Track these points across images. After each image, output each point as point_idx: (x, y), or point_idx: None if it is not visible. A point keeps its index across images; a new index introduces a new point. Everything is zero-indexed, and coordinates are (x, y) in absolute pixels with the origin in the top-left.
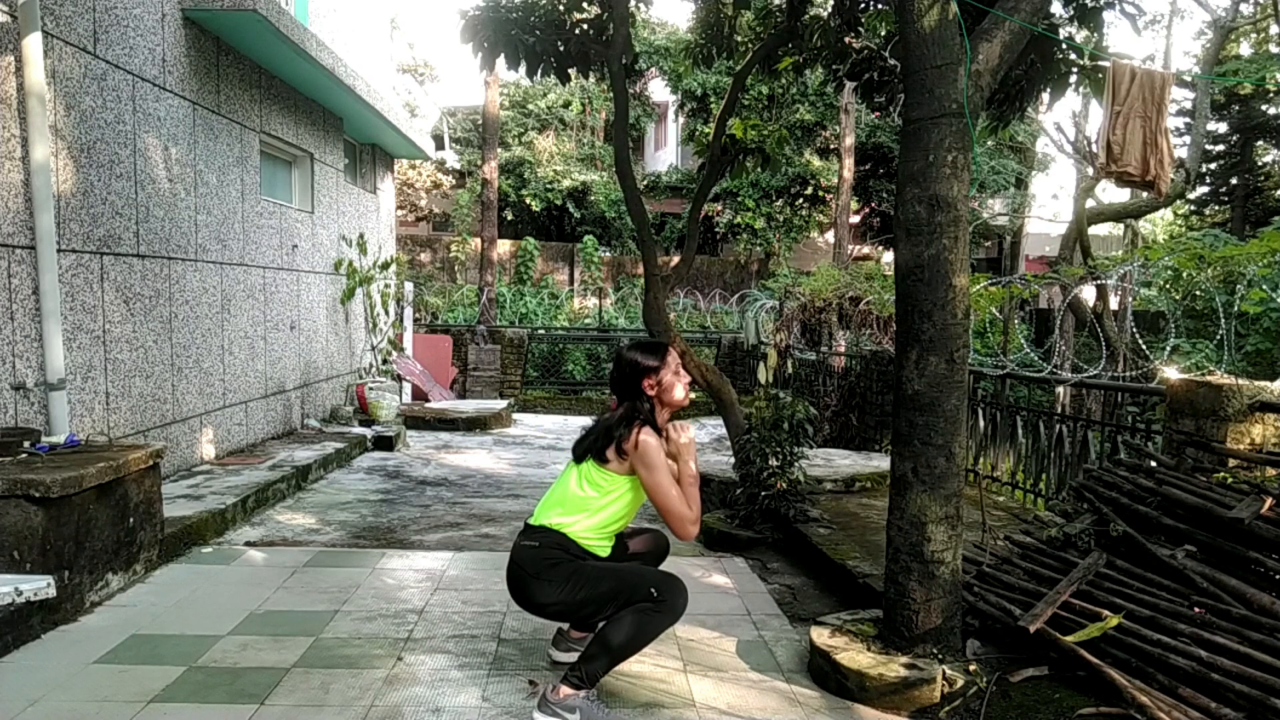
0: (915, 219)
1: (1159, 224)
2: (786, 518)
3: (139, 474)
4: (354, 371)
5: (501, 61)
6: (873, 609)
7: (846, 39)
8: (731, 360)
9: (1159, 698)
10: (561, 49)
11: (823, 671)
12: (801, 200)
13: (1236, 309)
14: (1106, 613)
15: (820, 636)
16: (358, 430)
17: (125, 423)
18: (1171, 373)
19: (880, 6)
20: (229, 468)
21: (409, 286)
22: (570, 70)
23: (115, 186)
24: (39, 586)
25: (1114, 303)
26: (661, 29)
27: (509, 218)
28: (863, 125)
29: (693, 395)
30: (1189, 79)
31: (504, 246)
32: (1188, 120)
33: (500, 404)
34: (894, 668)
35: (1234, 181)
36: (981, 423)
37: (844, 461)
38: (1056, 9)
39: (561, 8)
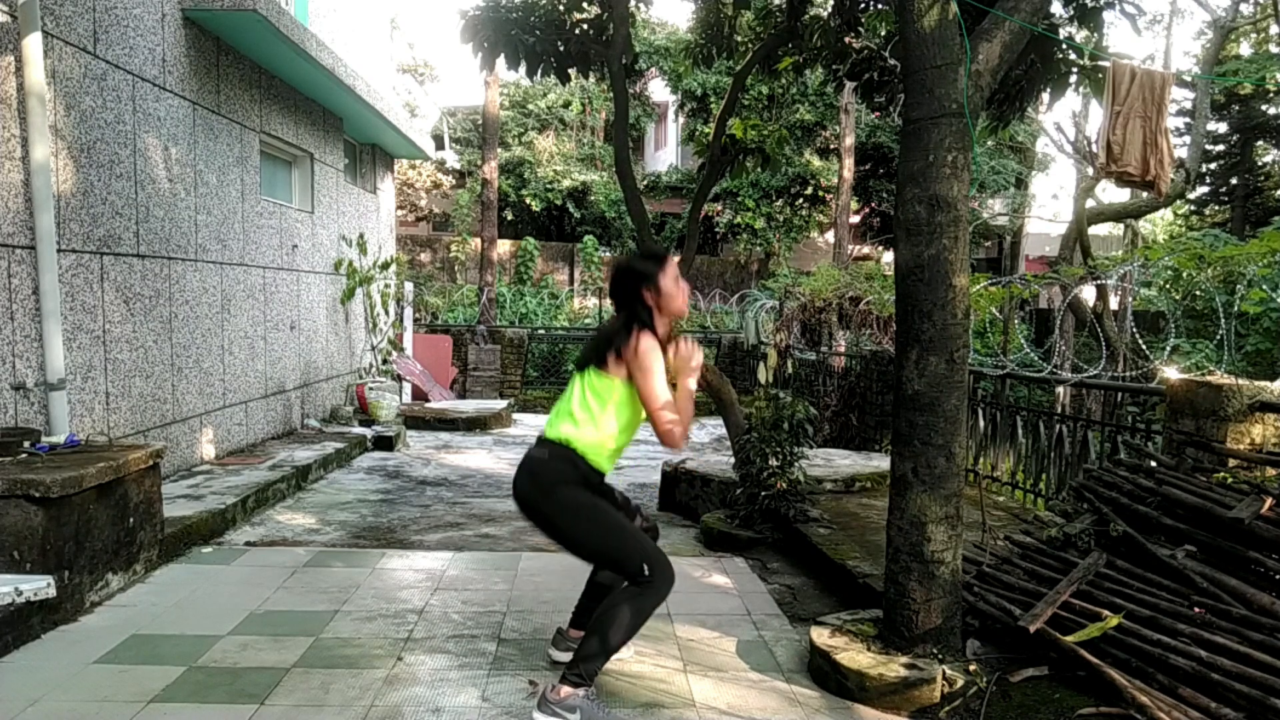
0: (915, 219)
1: (1159, 224)
2: (786, 518)
3: (139, 474)
4: (354, 371)
5: (501, 61)
6: (873, 609)
7: (846, 39)
8: (731, 360)
9: (1159, 698)
10: (561, 49)
11: (823, 671)
12: (801, 200)
13: (1236, 309)
14: (1106, 613)
15: (820, 636)
16: (358, 430)
17: (125, 423)
18: (1171, 373)
19: (880, 6)
20: (229, 468)
21: (409, 286)
22: (570, 70)
23: (115, 186)
24: (39, 586)
25: (1114, 303)
26: (661, 29)
27: (509, 218)
28: (863, 125)
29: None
30: (1189, 79)
31: (504, 246)
32: (1188, 120)
33: (500, 404)
34: (894, 668)
35: (1234, 181)
36: (981, 423)
37: (844, 461)
38: (1056, 9)
39: (561, 8)
